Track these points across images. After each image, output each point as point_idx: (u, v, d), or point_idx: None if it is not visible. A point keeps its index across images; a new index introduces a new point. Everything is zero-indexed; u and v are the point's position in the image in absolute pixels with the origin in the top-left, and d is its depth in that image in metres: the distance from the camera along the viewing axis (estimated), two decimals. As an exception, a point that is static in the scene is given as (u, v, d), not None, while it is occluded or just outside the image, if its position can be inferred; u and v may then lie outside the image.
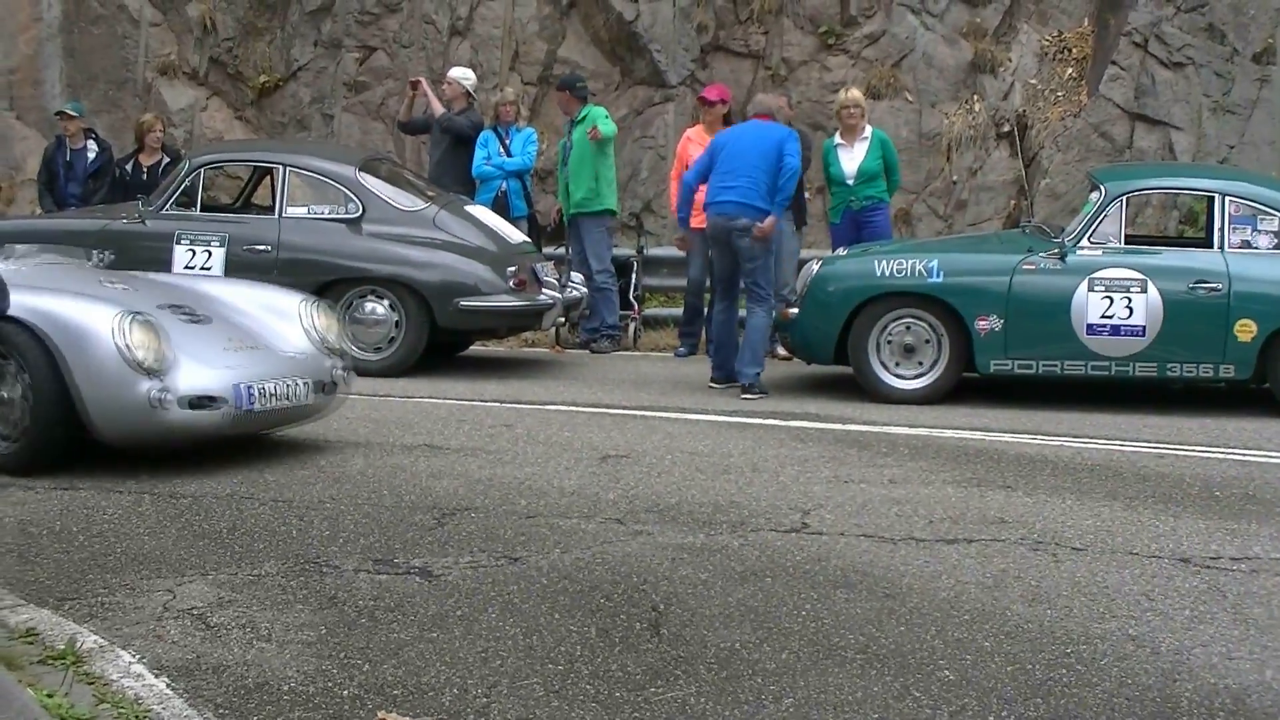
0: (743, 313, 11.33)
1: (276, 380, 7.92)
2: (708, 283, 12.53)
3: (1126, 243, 10.54)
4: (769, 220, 10.77)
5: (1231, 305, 10.17)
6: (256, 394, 7.76)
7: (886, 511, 7.07)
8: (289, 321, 8.49)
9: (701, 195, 11.31)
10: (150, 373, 7.37)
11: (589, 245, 13.22)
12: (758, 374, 10.81)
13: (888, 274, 10.61)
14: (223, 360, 7.84)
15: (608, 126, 13.15)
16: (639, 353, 13.64)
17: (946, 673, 4.85)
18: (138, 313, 7.49)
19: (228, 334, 8.15)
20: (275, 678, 4.76)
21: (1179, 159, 15.00)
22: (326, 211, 11.80)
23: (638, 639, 5.17)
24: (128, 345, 7.32)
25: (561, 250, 13.64)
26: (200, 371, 7.64)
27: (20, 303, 7.19)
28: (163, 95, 17.63)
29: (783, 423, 9.68)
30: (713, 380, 11.22)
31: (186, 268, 11.60)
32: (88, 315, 7.45)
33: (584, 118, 13.22)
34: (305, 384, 8.10)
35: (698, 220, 12.38)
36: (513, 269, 11.62)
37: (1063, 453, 8.71)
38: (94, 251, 9.72)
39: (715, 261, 11.19)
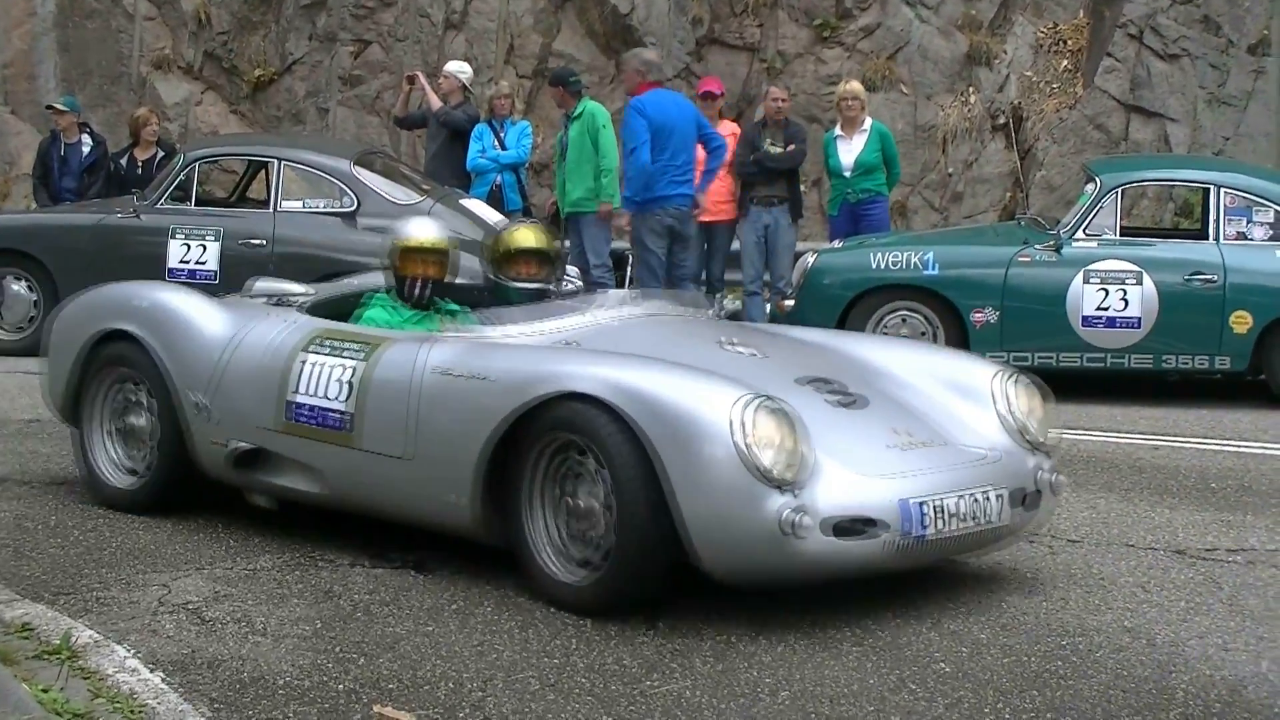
0: None
1: (960, 492, 5.39)
2: (703, 275, 12.51)
3: (1122, 234, 10.53)
4: (701, 195, 11.47)
5: (1227, 297, 10.17)
6: (931, 513, 5.26)
7: (882, 504, 7.03)
8: (977, 403, 5.92)
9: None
10: (781, 485, 5.02)
11: (586, 240, 13.18)
12: None
13: (883, 266, 10.60)
14: (884, 463, 5.40)
15: (610, 188, 12.78)
16: (635, 346, 13.60)
17: (942, 665, 4.85)
18: (766, 397, 5.16)
19: (891, 423, 5.67)
20: (270, 672, 4.76)
21: (1174, 151, 15.00)
22: (321, 205, 11.80)
23: (633, 632, 5.17)
24: (749, 444, 5.01)
25: (557, 244, 13.61)
26: (852, 481, 5.24)
27: (604, 377, 5.31)
28: (157, 89, 17.61)
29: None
30: None
31: (181, 262, 11.59)
32: (696, 398, 5.17)
33: (580, 114, 13.17)
34: (999, 496, 5.50)
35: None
36: (508, 262, 11.59)
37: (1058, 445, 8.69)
38: (717, 296, 6.99)
39: (656, 257, 11.15)
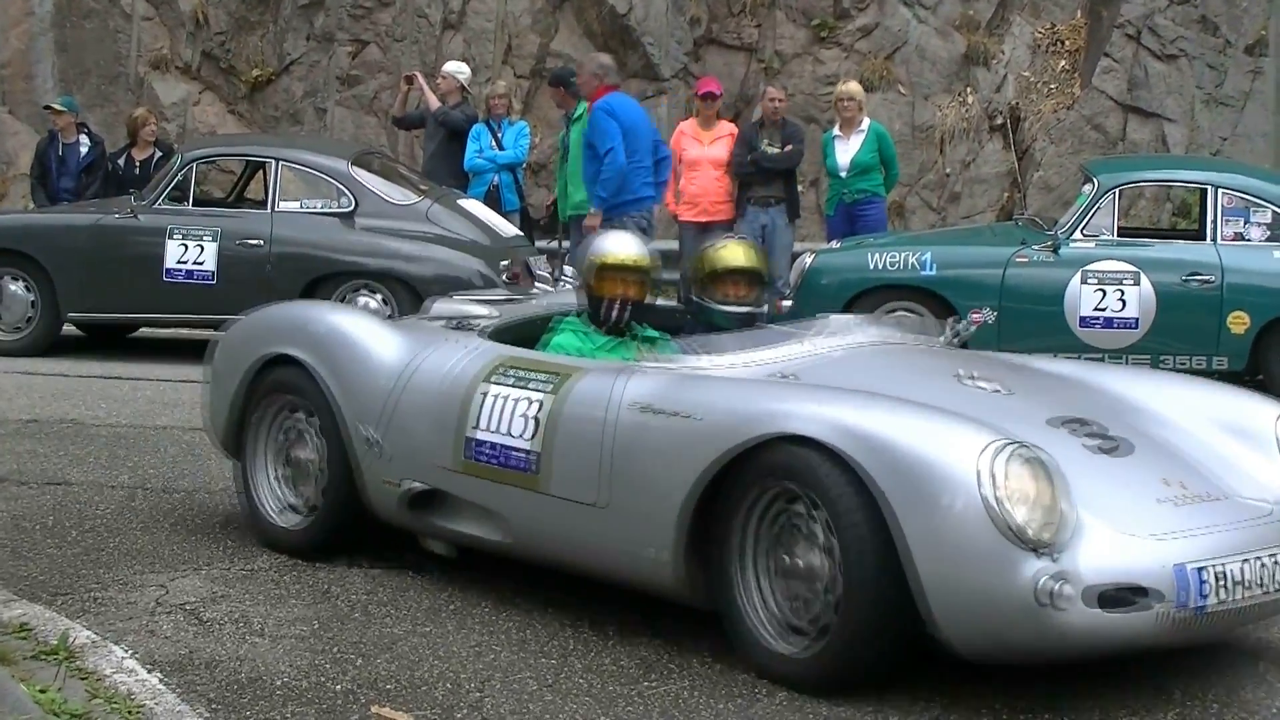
0: None
1: (1246, 555, 4.56)
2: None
3: (1119, 235, 10.54)
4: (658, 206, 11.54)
5: (1224, 297, 10.19)
6: (1212, 580, 4.46)
7: (880, 504, 7.03)
8: (1258, 448, 5.12)
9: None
10: (1037, 547, 4.30)
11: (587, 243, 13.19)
12: None
13: (881, 266, 10.61)
14: (1155, 521, 4.60)
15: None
16: (633, 346, 13.59)
17: (940, 664, 4.84)
18: (1019, 443, 4.45)
19: (1162, 472, 4.88)
20: (268, 672, 4.76)
21: (1172, 151, 15.01)
22: (319, 205, 11.80)
23: (631, 632, 5.17)
24: (1000, 499, 4.30)
25: (554, 244, 13.62)
26: (1119, 543, 4.46)
27: (828, 417, 4.64)
28: (155, 89, 17.59)
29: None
30: None
31: (179, 262, 11.58)
32: (936, 444, 4.48)
33: (580, 115, 13.16)
34: None
35: (689, 212, 12.38)
36: (506, 263, 11.62)
37: (1056, 445, 8.68)
38: (951, 321, 6.04)
39: None
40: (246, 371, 6.27)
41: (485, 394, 5.51)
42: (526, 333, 6.10)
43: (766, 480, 4.74)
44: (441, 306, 6.52)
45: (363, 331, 6.11)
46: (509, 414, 5.41)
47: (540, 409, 5.32)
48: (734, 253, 6.00)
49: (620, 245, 6.03)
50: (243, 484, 6.39)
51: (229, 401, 6.35)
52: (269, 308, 6.80)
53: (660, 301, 6.19)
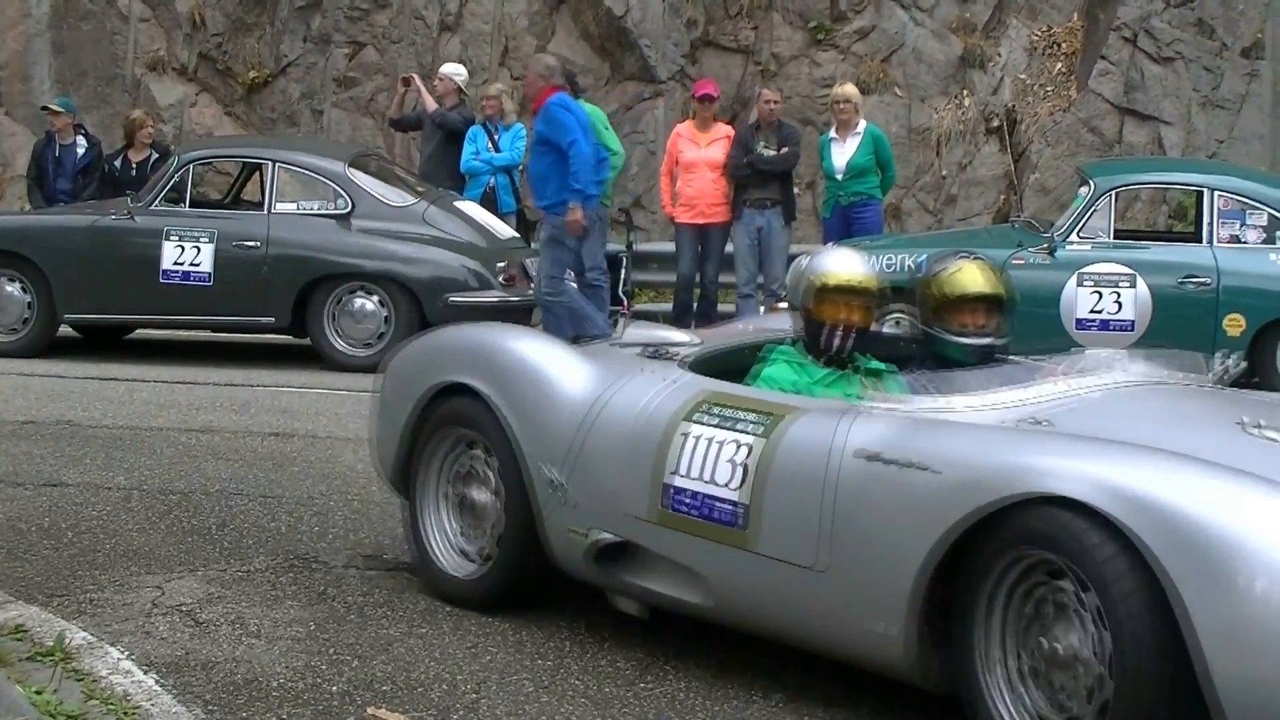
0: None
1: None
2: (697, 278, 12.52)
3: (1116, 237, 10.56)
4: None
5: (1220, 299, 10.20)
6: None
7: (876, 506, 7.03)
8: None
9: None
10: None
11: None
12: None
13: (877, 269, 10.57)
14: None
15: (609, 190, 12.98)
16: (629, 348, 13.59)
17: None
18: None
19: None
20: (264, 674, 4.76)
21: (1168, 154, 15.02)
22: (316, 207, 11.80)
23: (628, 634, 5.17)
24: None
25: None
26: None
27: (1096, 475, 3.90)
28: (152, 91, 17.59)
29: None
30: None
31: (175, 264, 11.58)
32: (1231, 511, 3.73)
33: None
34: None
35: (685, 214, 12.38)
36: (502, 264, 11.64)
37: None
38: (1221, 355, 5.27)
39: (576, 257, 11.20)
40: (417, 402, 5.67)
41: (686, 435, 4.86)
42: (733, 363, 5.46)
43: (1019, 548, 4.06)
44: (636, 332, 5.90)
45: (546, 359, 5.45)
46: (713, 459, 4.76)
47: (750, 454, 4.67)
48: (972, 276, 5.26)
49: (844, 264, 5.37)
50: (411, 526, 5.79)
51: (398, 434, 5.75)
52: (443, 331, 6.17)
53: (886, 329, 5.49)
